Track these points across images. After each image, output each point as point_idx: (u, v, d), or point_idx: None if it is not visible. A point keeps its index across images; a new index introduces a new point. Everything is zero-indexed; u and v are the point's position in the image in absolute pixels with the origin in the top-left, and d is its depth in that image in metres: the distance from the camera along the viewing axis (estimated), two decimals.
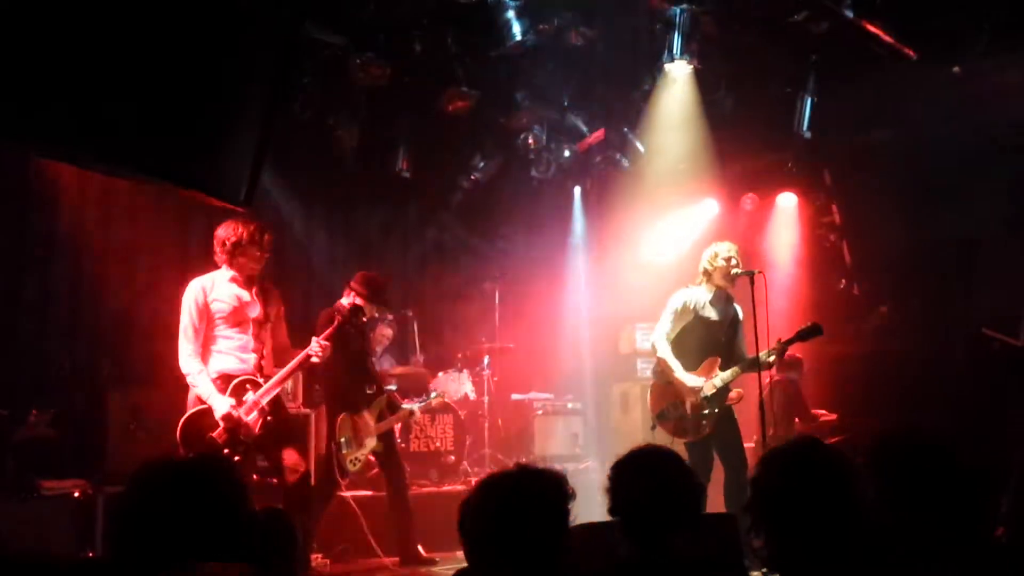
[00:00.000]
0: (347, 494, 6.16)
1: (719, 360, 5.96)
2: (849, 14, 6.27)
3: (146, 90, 3.68)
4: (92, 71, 3.54)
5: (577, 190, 9.61)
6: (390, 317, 8.17)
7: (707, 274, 5.97)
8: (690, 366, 5.94)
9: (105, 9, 3.54)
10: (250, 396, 5.07)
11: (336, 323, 5.50)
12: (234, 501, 2.15)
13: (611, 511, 2.69)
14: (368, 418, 6.12)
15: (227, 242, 5.20)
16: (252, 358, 5.19)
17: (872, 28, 6.36)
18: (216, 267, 5.31)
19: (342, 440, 5.97)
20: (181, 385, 5.22)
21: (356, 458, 6.04)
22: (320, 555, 6.01)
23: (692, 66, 6.95)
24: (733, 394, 5.97)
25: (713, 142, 7.92)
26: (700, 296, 5.99)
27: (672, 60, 6.77)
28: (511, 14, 6.58)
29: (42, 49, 3.38)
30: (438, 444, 7.75)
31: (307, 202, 9.05)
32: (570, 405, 8.58)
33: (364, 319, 5.74)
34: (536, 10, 6.63)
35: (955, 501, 2.20)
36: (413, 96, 7.81)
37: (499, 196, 9.52)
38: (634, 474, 2.72)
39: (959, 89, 7.02)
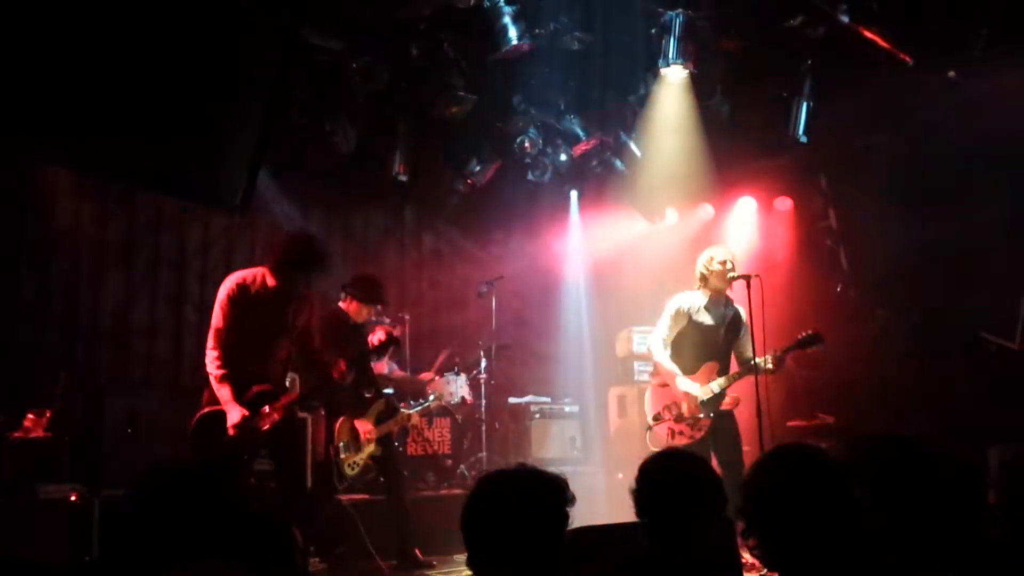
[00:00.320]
0: (344, 497, 6.16)
1: (718, 365, 6.01)
2: (845, 19, 6.28)
3: (145, 96, 3.69)
4: (91, 78, 3.56)
5: (574, 194, 9.62)
6: (387, 320, 8.18)
7: (703, 279, 6.01)
8: (687, 370, 6.00)
9: (106, 15, 3.56)
10: (266, 408, 5.08)
11: (376, 350, 5.64)
12: (234, 505, 2.16)
13: (639, 512, 2.71)
14: (367, 422, 6.13)
15: (292, 257, 5.15)
16: (275, 367, 5.21)
17: (868, 33, 6.38)
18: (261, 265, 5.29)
19: (340, 444, 5.98)
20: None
21: (354, 462, 6.05)
22: (317, 559, 6.02)
23: (688, 71, 6.97)
24: (729, 400, 5.99)
25: (709, 147, 7.93)
26: (695, 301, 6.04)
27: (668, 65, 6.78)
28: (508, 19, 6.59)
29: (43, 54, 3.39)
30: (436, 448, 7.77)
31: (304, 206, 9.05)
32: (567, 408, 8.59)
33: (396, 346, 5.82)
34: (532, 15, 6.64)
35: (941, 503, 2.21)
36: (410, 101, 7.82)
37: (496, 200, 9.53)
38: (665, 477, 2.74)
39: (955, 94, 7.04)
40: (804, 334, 5.90)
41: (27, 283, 7.02)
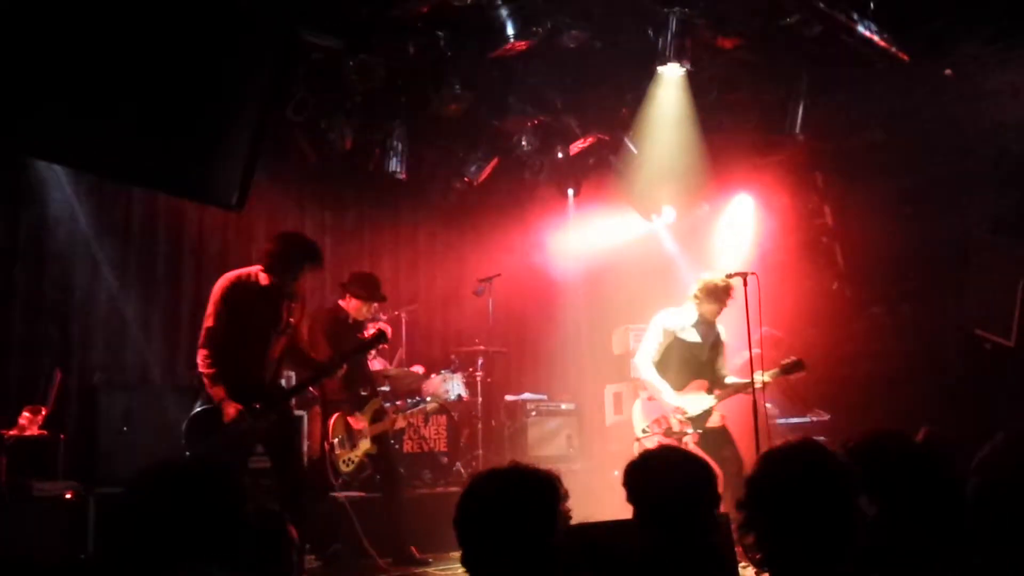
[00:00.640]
0: (340, 495, 6.16)
1: (706, 383, 6.15)
2: (841, 17, 6.28)
3: (141, 93, 3.69)
4: (88, 75, 3.55)
5: (570, 192, 9.62)
6: (384, 317, 8.17)
7: (697, 299, 6.11)
8: (674, 386, 6.12)
9: (105, 14, 3.55)
10: (258, 405, 5.08)
11: (356, 346, 5.63)
12: (232, 504, 2.16)
13: (632, 503, 2.72)
14: (362, 419, 6.12)
15: (276, 253, 5.21)
16: (268, 365, 5.23)
17: (864, 31, 6.38)
18: (253, 264, 5.35)
19: (336, 441, 5.98)
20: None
21: (350, 459, 6.05)
22: (313, 556, 6.02)
23: (684, 69, 6.97)
24: (717, 419, 6.10)
25: (706, 144, 7.93)
26: (681, 318, 6.17)
27: (665, 63, 6.78)
28: (505, 16, 6.58)
29: (38, 50, 3.38)
30: (432, 445, 7.77)
31: (300, 204, 9.05)
32: (563, 406, 8.60)
33: (385, 344, 5.82)
34: (529, 13, 6.63)
35: (939, 503, 2.21)
36: (406, 98, 7.81)
37: (493, 198, 9.53)
38: (656, 470, 2.75)
39: (951, 91, 7.05)
40: (788, 361, 6.00)
41: (21, 280, 6.99)
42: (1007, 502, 2.04)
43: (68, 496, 5.56)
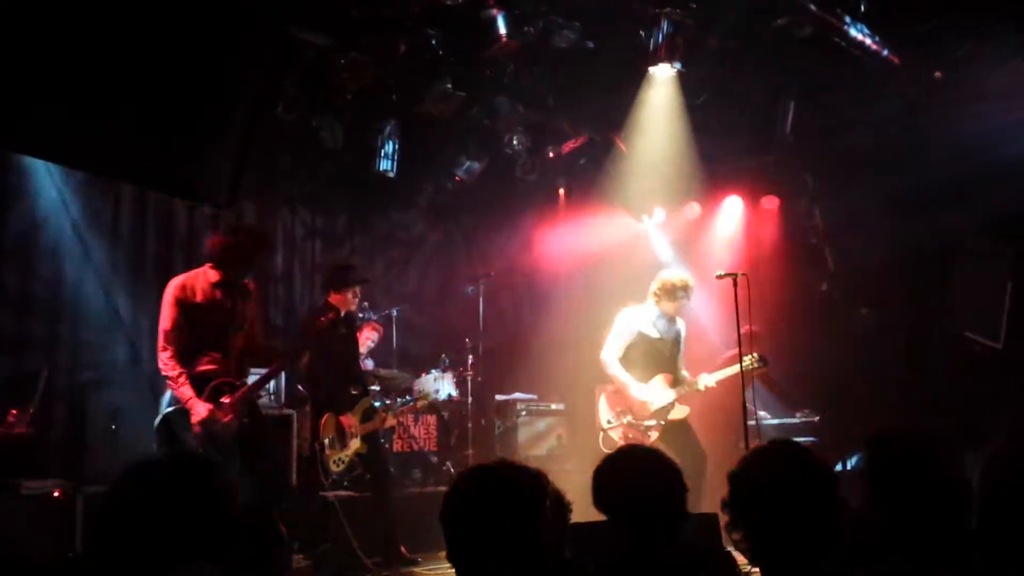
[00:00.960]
0: (330, 494, 6.15)
1: (671, 377, 6.46)
2: (832, 19, 6.30)
3: (132, 91, 3.67)
4: (81, 74, 3.54)
5: (561, 192, 9.62)
6: (374, 317, 8.17)
7: (656, 297, 6.41)
8: (640, 379, 6.41)
9: (102, 13, 3.54)
10: (226, 399, 5.08)
11: (312, 335, 5.54)
12: (220, 502, 2.15)
13: (598, 507, 2.73)
14: (353, 419, 6.11)
15: (227, 246, 5.22)
16: (229, 359, 5.24)
17: (855, 33, 6.40)
18: (200, 264, 5.32)
19: (326, 440, 5.97)
20: (161, 385, 5.22)
21: (340, 458, 6.04)
22: (302, 555, 6.00)
23: (676, 69, 6.98)
24: (682, 412, 6.38)
25: (696, 145, 7.95)
26: (642, 316, 6.46)
27: (656, 63, 6.79)
28: (496, 16, 6.58)
29: (35, 50, 3.37)
30: (422, 444, 7.76)
31: (290, 203, 9.03)
32: (554, 406, 8.60)
33: (344, 330, 5.79)
34: (521, 12, 6.63)
35: (944, 501, 2.22)
36: (397, 97, 7.80)
37: (483, 198, 9.53)
38: (620, 472, 2.76)
39: (941, 94, 7.08)
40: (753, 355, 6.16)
41: (8, 278, 6.95)
42: (1015, 501, 2.06)
43: (56, 494, 5.53)
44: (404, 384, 8.05)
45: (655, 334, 6.44)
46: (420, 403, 7.11)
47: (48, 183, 7.15)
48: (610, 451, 5.83)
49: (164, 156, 4.33)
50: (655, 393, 6.38)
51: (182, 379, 5.03)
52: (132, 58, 3.77)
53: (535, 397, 8.68)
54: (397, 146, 8.25)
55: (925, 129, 7.31)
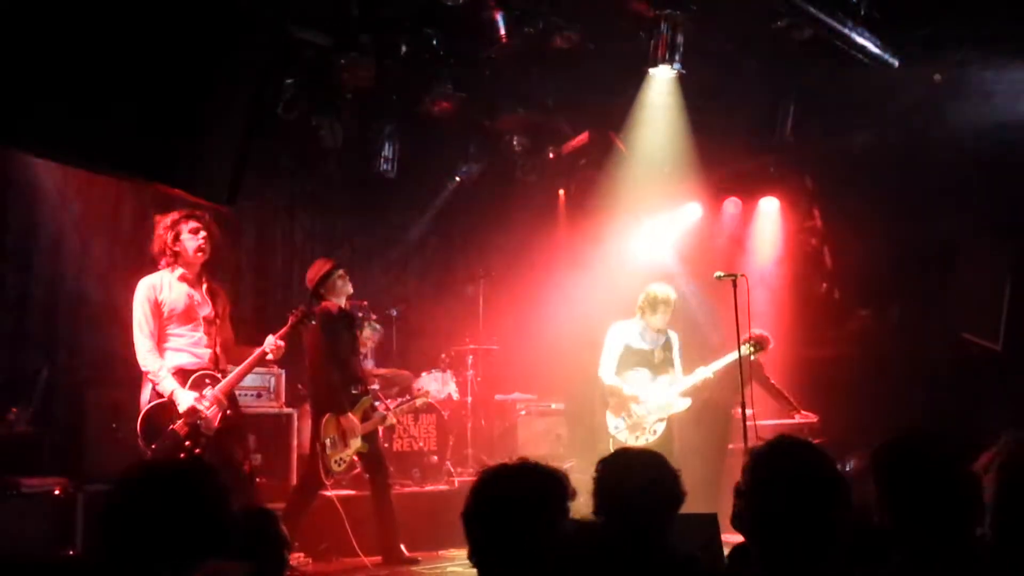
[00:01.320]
0: (330, 493, 6.16)
1: (670, 376, 6.62)
2: (832, 21, 6.32)
3: (139, 90, 3.68)
4: (86, 71, 3.54)
5: (561, 192, 9.64)
6: (374, 317, 8.17)
7: (641, 310, 6.58)
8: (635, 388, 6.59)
9: (102, 9, 3.55)
10: (209, 391, 5.17)
11: (289, 323, 5.57)
12: (219, 503, 2.16)
13: (597, 510, 2.74)
14: (353, 418, 6.11)
15: (163, 244, 5.31)
16: (207, 353, 5.32)
17: (854, 35, 6.41)
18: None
19: (327, 440, 5.96)
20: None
21: (341, 458, 6.05)
22: (302, 554, 6.01)
23: (676, 71, 6.99)
24: (681, 405, 6.55)
25: (696, 146, 7.96)
26: (630, 329, 6.62)
27: (656, 64, 6.80)
28: (496, 16, 6.59)
29: (36, 48, 3.38)
30: (421, 444, 7.76)
31: (291, 202, 9.04)
32: (553, 406, 8.61)
33: (314, 322, 5.80)
34: (521, 13, 6.64)
35: (952, 503, 2.22)
36: (398, 97, 7.80)
37: (483, 197, 9.53)
38: (620, 472, 2.77)
39: (940, 95, 7.09)
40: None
41: (8, 276, 6.96)
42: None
43: (56, 492, 5.55)
44: (404, 383, 8.06)
45: (643, 346, 6.58)
46: (420, 402, 7.11)
47: (48, 181, 7.16)
48: None
49: (164, 155, 4.33)
50: (650, 391, 6.51)
51: (163, 372, 5.11)
52: (133, 56, 3.78)
53: (534, 397, 8.69)
54: (397, 146, 8.26)
55: (924, 131, 7.31)
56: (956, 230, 7.45)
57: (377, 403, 6.66)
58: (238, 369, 5.37)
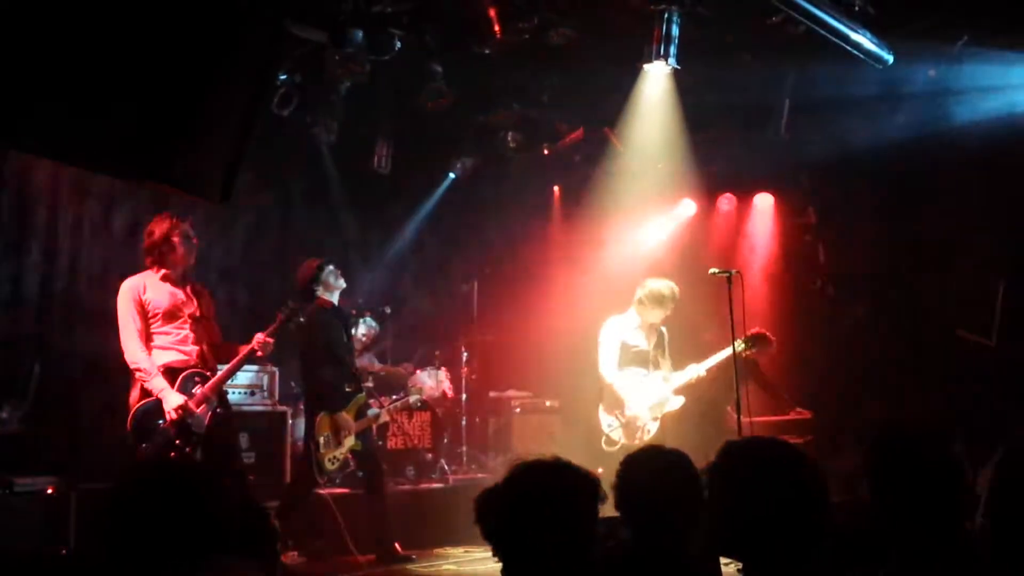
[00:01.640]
0: (324, 491, 6.15)
1: (663, 374, 6.56)
2: (827, 16, 6.31)
3: (136, 88, 3.65)
4: (77, 67, 3.52)
5: (556, 188, 9.63)
6: (368, 313, 8.16)
7: (641, 304, 6.47)
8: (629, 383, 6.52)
9: (96, 7, 3.52)
10: (198, 389, 5.17)
11: (278, 320, 5.55)
12: (219, 502, 2.15)
13: (618, 505, 2.73)
14: (347, 416, 6.10)
15: (153, 246, 5.32)
16: (194, 350, 5.32)
17: (849, 31, 6.41)
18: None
19: (321, 439, 5.95)
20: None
21: (335, 456, 6.03)
22: (296, 552, 6.00)
23: (670, 66, 6.98)
24: (674, 404, 6.49)
25: (691, 142, 7.96)
26: (625, 324, 6.54)
27: (651, 60, 6.79)
28: (491, 12, 6.58)
29: (29, 46, 3.35)
30: (416, 442, 7.76)
31: (285, 199, 9.01)
32: (548, 403, 8.60)
33: (302, 318, 5.78)
34: (516, 9, 6.63)
35: (941, 495, 2.20)
36: (392, 93, 7.79)
37: (478, 194, 9.52)
38: (646, 471, 2.76)
39: (935, 90, 7.10)
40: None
41: (1, 273, 6.93)
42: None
43: (49, 491, 5.53)
44: (398, 381, 8.05)
45: (638, 343, 6.53)
46: (413, 400, 7.10)
47: (40, 176, 7.13)
48: (612, 450, 6.10)
49: (159, 151, 4.31)
50: (648, 387, 6.47)
51: (152, 372, 5.12)
52: (126, 52, 3.75)
53: (529, 394, 8.69)
54: (391, 143, 8.24)
55: (919, 126, 7.32)
56: (950, 226, 7.46)
57: (371, 401, 6.64)
58: (228, 367, 5.38)
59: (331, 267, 6.32)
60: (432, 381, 8.22)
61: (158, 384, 5.09)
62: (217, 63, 3.99)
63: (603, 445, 6.41)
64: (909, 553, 2.16)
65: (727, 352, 6.23)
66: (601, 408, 6.55)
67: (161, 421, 5.07)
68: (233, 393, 6.04)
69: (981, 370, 7.13)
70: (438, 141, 8.67)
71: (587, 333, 8.77)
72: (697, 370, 6.45)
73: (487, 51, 6.86)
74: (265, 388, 7.09)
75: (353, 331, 7.39)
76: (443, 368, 8.37)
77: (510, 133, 8.45)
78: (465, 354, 8.39)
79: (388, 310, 8.61)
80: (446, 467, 7.69)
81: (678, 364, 6.66)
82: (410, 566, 6.00)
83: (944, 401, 7.04)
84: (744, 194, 9.01)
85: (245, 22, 4.11)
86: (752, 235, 8.94)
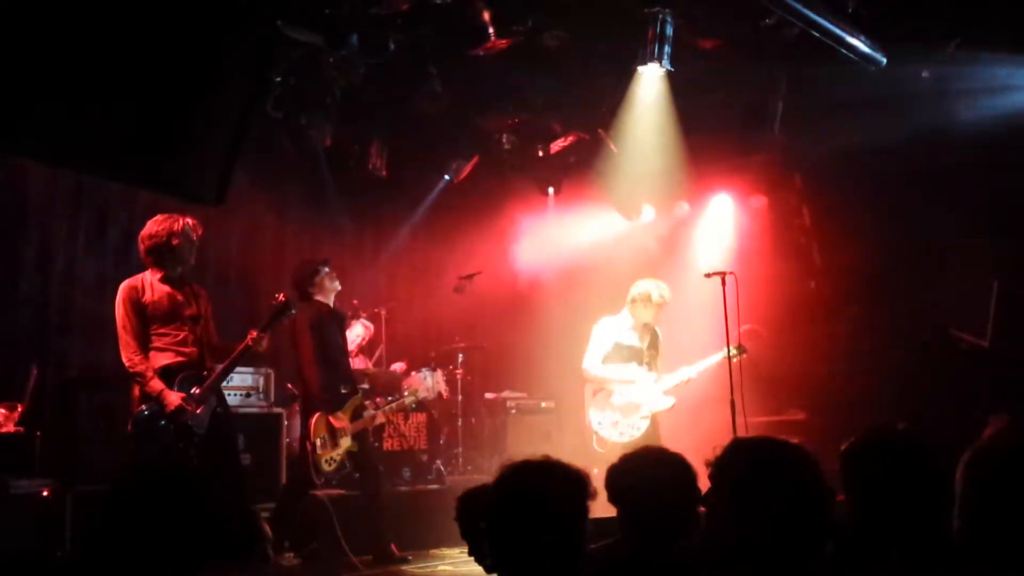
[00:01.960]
0: (320, 493, 6.15)
1: (652, 376, 6.55)
2: (820, 19, 6.34)
3: (122, 89, 3.66)
4: (75, 70, 3.52)
5: (551, 190, 9.64)
6: (364, 315, 8.17)
7: (633, 305, 6.49)
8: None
9: (89, 10, 3.52)
10: (196, 389, 5.15)
11: (268, 318, 5.53)
12: (204, 506, 2.16)
13: (612, 504, 2.74)
14: (343, 418, 6.11)
15: (153, 245, 5.30)
16: (192, 352, 5.30)
17: (843, 33, 6.44)
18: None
19: (317, 440, 5.95)
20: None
21: (331, 458, 6.04)
22: (292, 554, 6.00)
23: (665, 69, 7.00)
24: (665, 403, 6.48)
25: (685, 144, 7.97)
26: (618, 324, 6.56)
27: (645, 63, 6.81)
28: (485, 15, 6.59)
29: (22, 48, 3.36)
30: (412, 443, 7.76)
31: (280, 201, 9.01)
32: (543, 404, 8.61)
33: (293, 312, 5.75)
34: (510, 11, 6.64)
35: (922, 501, 2.19)
36: (387, 95, 7.79)
37: (473, 196, 9.53)
38: (641, 470, 2.77)
39: (928, 92, 7.12)
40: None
41: None
42: (995, 497, 2.04)
43: (45, 493, 5.52)
44: (393, 382, 8.05)
45: (633, 342, 6.53)
46: (409, 401, 7.10)
47: (37, 179, 7.13)
48: (603, 450, 6.10)
49: (153, 154, 4.31)
50: (640, 389, 6.46)
51: (149, 373, 5.10)
52: (120, 56, 3.76)
53: (524, 395, 8.69)
54: (386, 145, 8.24)
55: (912, 127, 7.34)
56: (944, 226, 7.49)
57: (367, 402, 6.65)
58: (224, 365, 5.36)
59: (327, 268, 6.33)
60: (428, 382, 8.22)
61: (156, 386, 5.07)
62: (212, 65, 4.00)
63: (595, 445, 6.42)
64: (889, 557, 2.16)
65: (719, 356, 6.29)
66: (591, 407, 6.54)
67: (162, 423, 5.04)
68: (229, 395, 6.02)
69: (975, 370, 7.15)
70: (433, 143, 8.67)
71: (582, 334, 8.78)
72: (688, 372, 6.46)
73: (482, 54, 6.87)
74: (261, 390, 7.09)
75: (348, 333, 7.40)
76: (439, 369, 8.38)
77: (505, 135, 8.46)
78: (460, 355, 8.39)
79: (384, 311, 8.61)
80: (442, 468, 7.70)
81: (672, 365, 6.67)
82: (406, 567, 6.00)
83: (938, 401, 7.06)
84: (739, 195, 9.03)
85: (239, 24, 4.11)
86: (747, 236, 8.96)
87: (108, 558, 2.05)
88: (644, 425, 6.41)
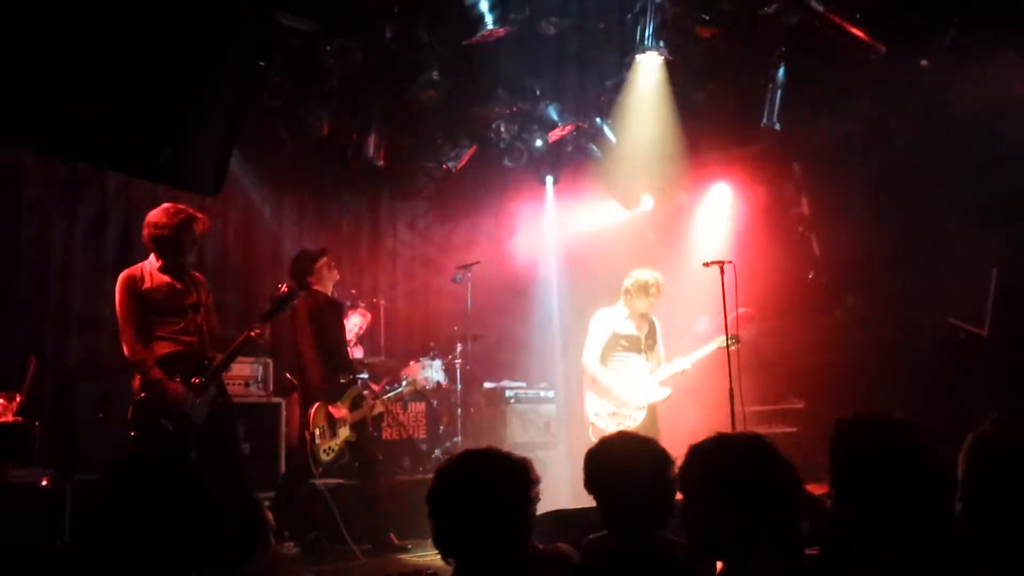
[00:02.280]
0: (319, 482, 6.16)
1: (649, 368, 6.56)
2: (819, 7, 6.32)
3: (116, 78, 3.65)
4: (70, 64, 3.51)
5: (549, 180, 9.63)
6: (362, 304, 8.17)
7: (627, 295, 6.49)
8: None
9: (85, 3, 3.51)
10: (196, 380, 5.13)
11: (270, 307, 5.52)
12: (204, 497, 2.16)
13: (588, 489, 2.73)
14: (342, 407, 6.12)
15: (159, 234, 5.27)
16: (193, 341, 5.27)
17: (842, 21, 6.42)
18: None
19: (316, 430, 5.96)
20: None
21: (330, 447, 6.05)
22: (291, 543, 6.02)
23: (663, 57, 6.99)
24: (661, 394, 6.46)
25: (684, 133, 7.96)
26: (615, 315, 6.56)
27: (644, 51, 6.79)
28: (483, 3, 6.57)
29: (23, 37, 3.35)
30: (411, 432, 7.78)
31: (277, 190, 9.01)
32: (542, 393, 8.62)
33: (295, 302, 5.74)
34: None
35: (917, 496, 2.16)
36: (384, 84, 7.77)
37: (471, 185, 9.52)
38: (612, 456, 2.77)
39: (927, 81, 7.11)
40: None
41: None
42: (997, 486, 2.04)
43: (44, 483, 5.52)
44: (392, 372, 8.06)
45: (631, 331, 6.53)
46: (408, 390, 7.11)
47: (33, 171, 7.11)
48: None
49: (149, 144, 4.30)
50: (636, 384, 6.46)
51: (150, 362, 5.07)
52: (115, 45, 3.75)
53: (524, 384, 8.70)
54: (383, 134, 8.22)
55: (911, 118, 7.33)
56: (943, 216, 7.49)
57: (366, 392, 6.65)
58: (224, 355, 5.35)
59: (325, 258, 6.32)
60: (426, 372, 8.23)
61: (156, 375, 5.04)
62: (209, 55, 3.99)
63: (591, 435, 6.42)
64: (876, 554, 2.14)
65: (713, 345, 6.29)
66: (587, 396, 6.54)
67: (161, 412, 5.02)
68: (228, 384, 6.01)
69: (974, 359, 7.16)
70: (430, 132, 8.65)
71: (581, 323, 8.79)
72: (683, 363, 6.45)
73: (479, 42, 6.85)
74: (260, 379, 7.10)
75: (347, 322, 7.40)
76: (438, 358, 8.38)
77: (503, 124, 8.44)
78: (459, 344, 8.40)
79: (382, 301, 8.61)
80: (441, 457, 7.70)
81: (670, 355, 6.68)
82: (405, 556, 6.02)
83: (937, 390, 7.08)
84: (737, 185, 9.02)
85: (235, 13, 4.09)
86: (745, 226, 8.95)
87: (106, 549, 2.05)
88: (641, 416, 6.40)
